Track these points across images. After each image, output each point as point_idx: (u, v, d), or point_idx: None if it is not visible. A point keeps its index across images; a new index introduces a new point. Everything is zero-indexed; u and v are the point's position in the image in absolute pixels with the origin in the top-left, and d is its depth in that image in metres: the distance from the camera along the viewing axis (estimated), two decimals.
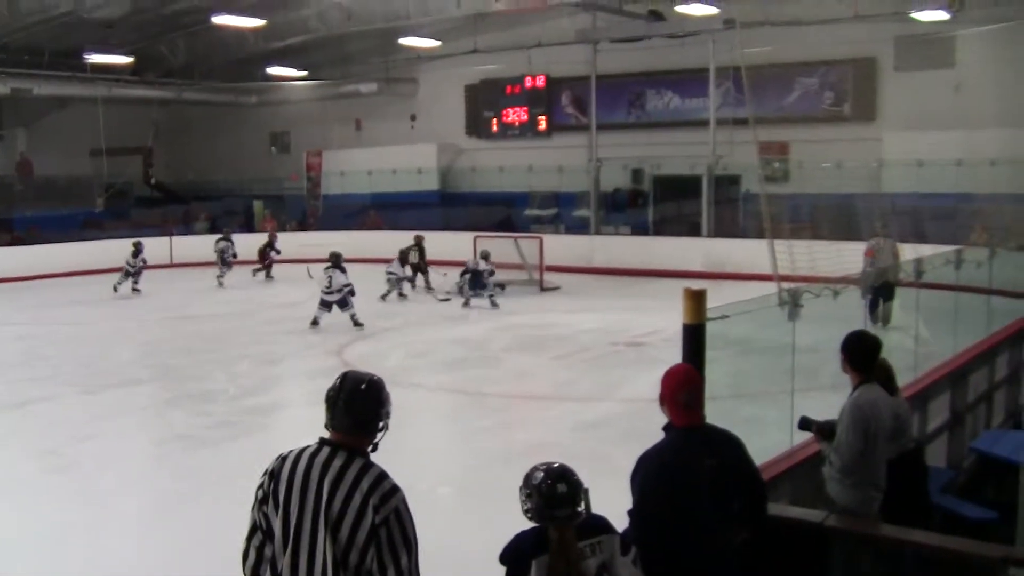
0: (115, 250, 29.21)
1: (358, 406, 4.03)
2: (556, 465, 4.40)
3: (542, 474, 4.34)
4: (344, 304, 18.76)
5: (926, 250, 12.31)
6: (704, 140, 26.68)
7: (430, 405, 13.51)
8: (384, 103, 35.02)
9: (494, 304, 21.56)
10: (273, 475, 3.99)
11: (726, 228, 27.77)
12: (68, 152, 33.95)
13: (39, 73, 29.71)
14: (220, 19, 26.40)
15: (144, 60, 31.86)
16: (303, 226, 34.70)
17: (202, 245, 30.57)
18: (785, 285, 6.68)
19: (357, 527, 3.79)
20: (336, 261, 19.15)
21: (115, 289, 24.32)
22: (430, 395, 13.81)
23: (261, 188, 37.59)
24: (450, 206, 33.06)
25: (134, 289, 24.64)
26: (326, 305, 18.84)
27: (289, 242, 28.99)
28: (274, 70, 33.98)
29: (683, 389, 4.79)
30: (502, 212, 31.27)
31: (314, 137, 37.19)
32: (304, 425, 13.16)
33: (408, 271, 23.95)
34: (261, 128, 38.75)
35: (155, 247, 29.85)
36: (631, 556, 4.42)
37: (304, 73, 34.69)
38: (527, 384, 14.51)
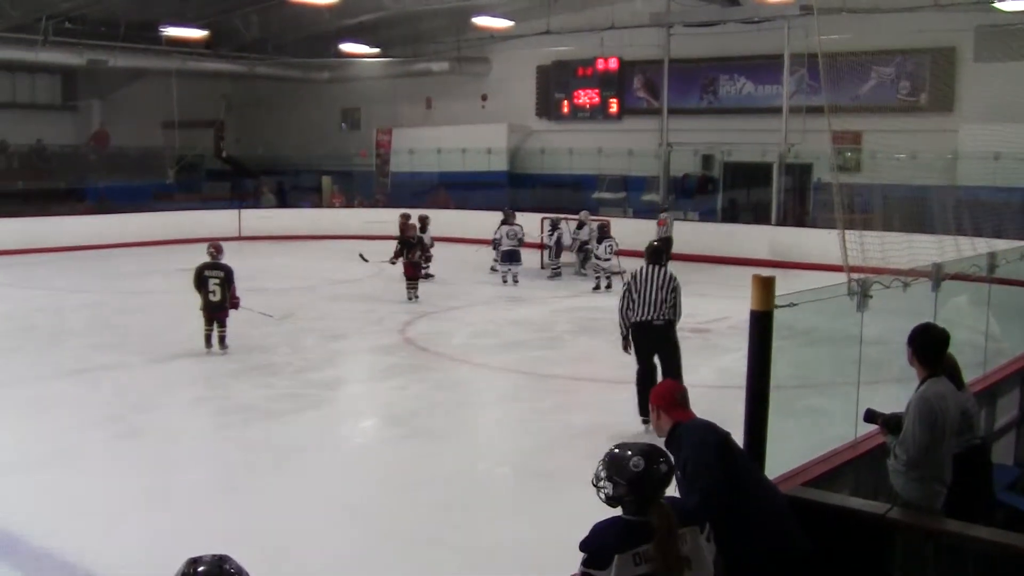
0: (185, 222, 29.58)
1: (661, 254, 10.39)
2: (645, 445, 4.07)
3: (638, 457, 3.95)
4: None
5: (1001, 244, 12.07)
6: (776, 127, 26.47)
7: (492, 385, 13.61)
8: (455, 82, 35.03)
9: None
10: (634, 274, 10.22)
11: (795, 216, 27.53)
12: (141, 124, 34.43)
13: (115, 45, 30.10)
14: None
15: (218, 34, 32.11)
16: (371, 203, 34.81)
17: (273, 217, 31.02)
18: (855, 275, 6.57)
19: (671, 286, 10.10)
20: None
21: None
22: (492, 375, 13.89)
23: (330, 164, 37.79)
24: (519, 187, 33.00)
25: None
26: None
27: (355, 219, 29.16)
28: (346, 47, 34.09)
29: (676, 392, 5.23)
30: (570, 194, 31.15)
31: (384, 115, 37.37)
32: (367, 399, 13.27)
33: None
34: (332, 104, 38.99)
35: (224, 220, 30.17)
36: (706, 532, 4.19)
37: (376, 51, 34.73)
38: (589, 366, 14.47)
